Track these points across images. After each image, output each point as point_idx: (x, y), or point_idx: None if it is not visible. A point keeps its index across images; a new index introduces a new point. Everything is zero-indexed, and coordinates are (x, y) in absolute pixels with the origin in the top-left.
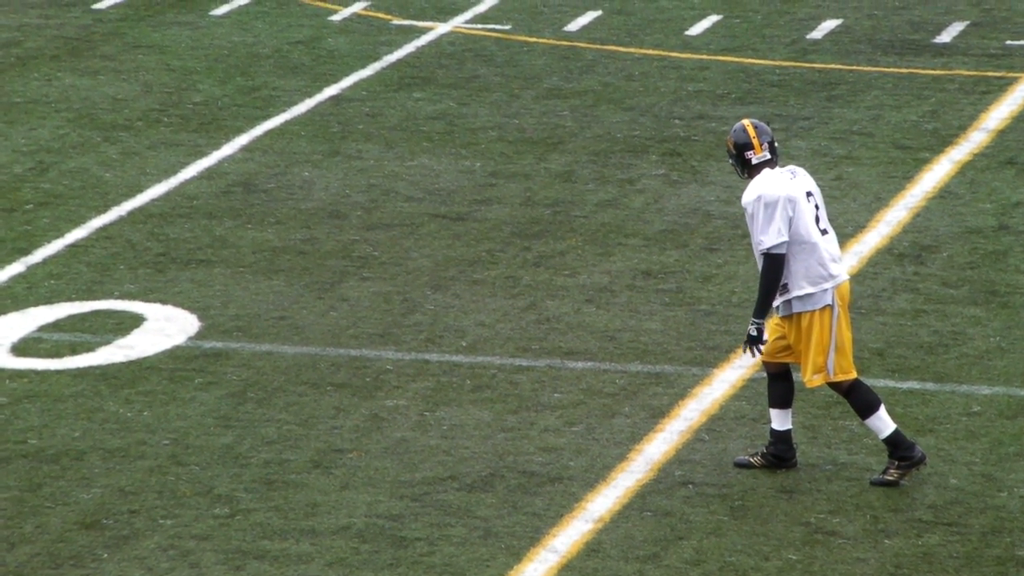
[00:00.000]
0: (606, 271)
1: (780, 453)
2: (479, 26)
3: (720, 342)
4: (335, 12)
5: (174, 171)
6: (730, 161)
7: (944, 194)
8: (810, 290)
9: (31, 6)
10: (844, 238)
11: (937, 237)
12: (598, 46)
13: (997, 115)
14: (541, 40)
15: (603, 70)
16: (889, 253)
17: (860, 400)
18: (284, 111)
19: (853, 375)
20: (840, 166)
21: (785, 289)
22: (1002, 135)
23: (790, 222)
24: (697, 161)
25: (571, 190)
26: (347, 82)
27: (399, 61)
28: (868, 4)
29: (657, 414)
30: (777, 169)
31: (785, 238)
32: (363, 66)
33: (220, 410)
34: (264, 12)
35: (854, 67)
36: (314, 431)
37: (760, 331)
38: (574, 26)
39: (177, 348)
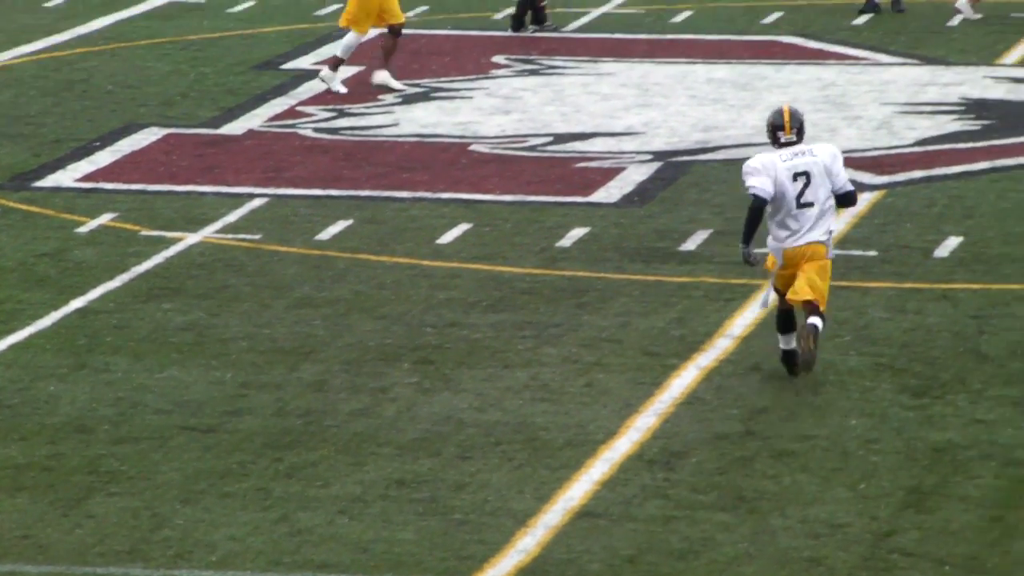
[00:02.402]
0: (359, 481)
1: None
2: (229, 236)
3: (474, 551)
4: (82, 224)
5: None
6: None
7: (692, 400)
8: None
9: None
10: (594, 445)
11: (687, 443)
12: (350, 255)
13: (742, 322)
14: (292, 249)
15: (355, 278)
16: (640, 459)
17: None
18: (29, 324)
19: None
20: (591, 372)
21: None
22: (747, 341)
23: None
24: (449, 369)
25: (323, 399)
26: (94, 294)
27: (148, 272)
28: (615, 213)
29: None
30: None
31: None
32: (111, 278)
33: None
34: (8, 225)
35: (602, 274)
36: None
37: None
38: (325, 235)
39: None
